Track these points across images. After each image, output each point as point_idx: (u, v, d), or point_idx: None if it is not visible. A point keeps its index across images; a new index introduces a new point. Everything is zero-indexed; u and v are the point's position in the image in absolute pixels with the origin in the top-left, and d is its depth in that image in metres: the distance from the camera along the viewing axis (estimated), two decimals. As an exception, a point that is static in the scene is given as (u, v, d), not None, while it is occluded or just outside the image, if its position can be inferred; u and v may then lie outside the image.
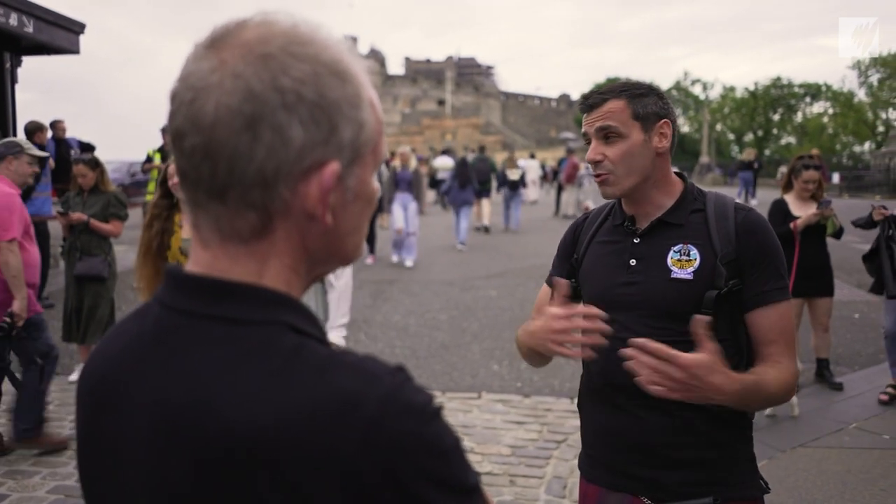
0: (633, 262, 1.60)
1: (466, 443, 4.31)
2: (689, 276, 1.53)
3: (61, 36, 8.96)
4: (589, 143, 1.63)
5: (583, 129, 1.65)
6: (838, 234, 4.96)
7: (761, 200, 19.79)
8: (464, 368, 5.77)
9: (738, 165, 21.87)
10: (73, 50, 9.27)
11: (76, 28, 9.24)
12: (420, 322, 7.30)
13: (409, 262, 10.55)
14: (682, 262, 1.55)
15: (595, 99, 1.60)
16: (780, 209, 5.07)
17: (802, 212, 4.91)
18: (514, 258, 11.29)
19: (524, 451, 4.19)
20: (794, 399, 4.57)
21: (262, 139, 0.60)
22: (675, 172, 1.67)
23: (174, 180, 2.40)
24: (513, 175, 14.69)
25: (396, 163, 11.19)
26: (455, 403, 4.99)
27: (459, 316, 7.54)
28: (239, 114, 0.60)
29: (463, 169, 12.67)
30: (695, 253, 1.55)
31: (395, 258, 10.76)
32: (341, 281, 3.18)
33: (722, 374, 1.36)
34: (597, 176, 1.61)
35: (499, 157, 24.41)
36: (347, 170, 0.65)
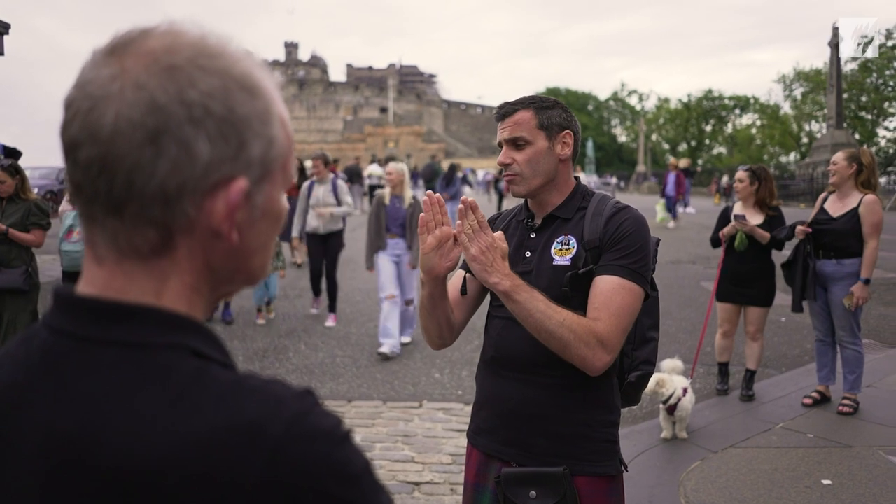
0: (528, 254, 1.84)
1: (407, 452, 4.29)
2: (567, 262, 1.77)
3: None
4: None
5: (497, 139, 1.87)
6: (780, 244, 5.04)
7: (696, 209, 20.42)
8: (405, 377, 5.74)
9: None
10: (-3, 51, 8.87)
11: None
12: (362, 331, 7.23)
13: (405, 338, 6.78)
14: (563, 251, 1.78)
15: (506, 109, 1.84)
16: (723, 215, 5.40)
17: (748, 218, 5.12)
18: (456, 266, 11.29)
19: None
20: (677, 421, 4.49)
21: (165, 154, 0.58)
22: (574, 177, 1.91)
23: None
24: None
25: (385, 191, 6.69)
26: (396, 413, 4.95)
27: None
28: (141, 126, 0.57)
29: (450, 173, 16.27)
30: (573, 242, 1.78)
31: (383, 347, 6.26)
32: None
33: (508, 267, 1.66)
34: (507, 176, 1.84)
35: (445, 164, 26.07)
36: (256, 187, 0.63)
